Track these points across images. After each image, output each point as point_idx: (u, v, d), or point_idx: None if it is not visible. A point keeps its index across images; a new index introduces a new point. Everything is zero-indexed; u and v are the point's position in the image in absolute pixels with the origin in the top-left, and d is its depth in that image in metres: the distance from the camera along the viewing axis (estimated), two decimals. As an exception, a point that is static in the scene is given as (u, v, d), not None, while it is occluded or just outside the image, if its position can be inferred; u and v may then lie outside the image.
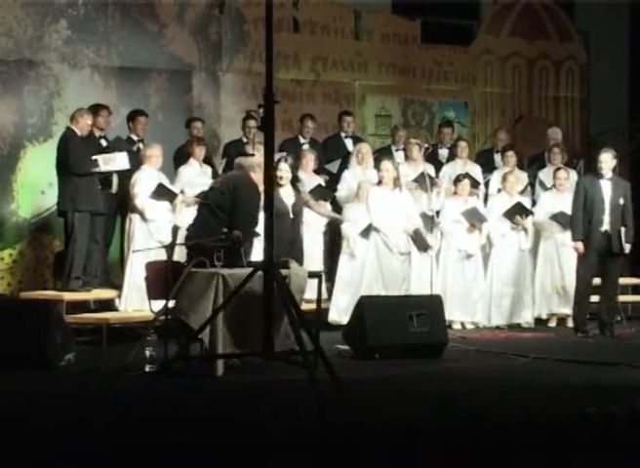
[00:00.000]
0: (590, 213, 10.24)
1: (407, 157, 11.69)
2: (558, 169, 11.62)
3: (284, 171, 9.88)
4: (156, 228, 10.27)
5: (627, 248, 10.28)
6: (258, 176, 8.44)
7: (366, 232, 10.59)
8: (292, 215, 9.83)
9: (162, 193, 10.28)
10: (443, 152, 12.48)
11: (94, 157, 10.18)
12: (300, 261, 9.73)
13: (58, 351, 7.93)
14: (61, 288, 10.18)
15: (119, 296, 10.26)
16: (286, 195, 9.82)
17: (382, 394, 6.85)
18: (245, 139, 11.34)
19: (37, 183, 11.32)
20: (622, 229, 10.19)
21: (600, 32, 14.95)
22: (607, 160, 10.34)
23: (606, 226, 10.22)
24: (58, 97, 11.67)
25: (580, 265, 10.38)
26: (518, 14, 14.80)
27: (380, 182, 10.62)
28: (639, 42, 15.07)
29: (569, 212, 10.60)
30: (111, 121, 11.12)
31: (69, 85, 11.74)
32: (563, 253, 11.20)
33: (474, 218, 11.10)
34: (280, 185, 9.77)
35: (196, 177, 10.59)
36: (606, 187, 10.30)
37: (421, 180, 10.89)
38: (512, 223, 11.22)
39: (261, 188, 8.72)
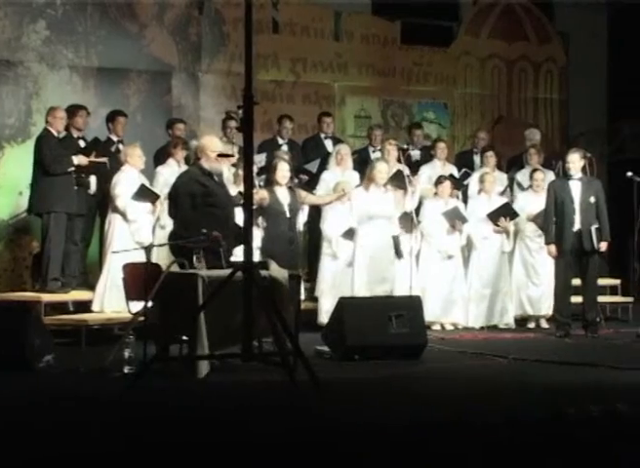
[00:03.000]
0: (562, 214, 10.32)
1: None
2: (535, 170, 11.66)
3: (284, 170, 9.90)
4: (137, 229, 10.23)
5: (603, 246, 10.32)
6: (204, 161, 8.39)
7: (348, 234, 10.62)
8: (288, 215, 9.86)
9: (144, 194, 10.25)
10: (414, 153, 12.46)
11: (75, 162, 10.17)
12: (297, 261, 9.77)
13: (36, 353, 7.87)
14: (40, 289, 10.14)
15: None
16: (282, 195, 9.85)
17: (362, 395, 6.84)
18: (225, 140, 11.31)
19: (15, 184, 11.27)
20: (593, 227, 10.24)
21: (579, 33, 15.02)
22: (575, 160, 10.42)
23: (578, 226, 10.29)
24: (36, 97, 11.63)
25: (557, 267, 10.46)
26: (497, 15, 14.85)
27: (369, 183, 10.68)
28: (618, 43, 15.14)
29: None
30: (90, 122, 11.08)
31: (48, 85, 11.71)
32: (537, 254, 11.25)
33: (455, 219, 11.11)
34: (279, 184, 9.81)
35: (172, 179, 10.52)
36: (575, 188, 10.37)
37: (398, 180, 10.87)
38: (495, 225, 11.23)
39: (222, 169, 8.64)
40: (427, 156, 12.26)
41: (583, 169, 10.53)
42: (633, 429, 5.49)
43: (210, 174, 8.42)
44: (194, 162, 8.70)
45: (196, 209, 8.23)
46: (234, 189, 9.38)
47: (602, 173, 12.85)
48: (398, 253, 10.73)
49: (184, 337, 7.66)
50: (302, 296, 9.39)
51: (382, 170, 10.68)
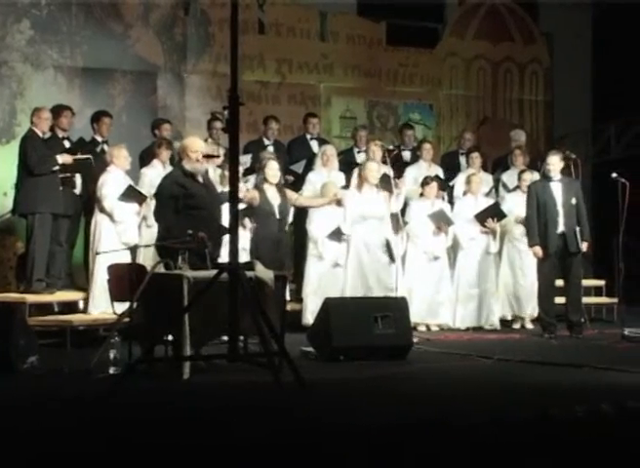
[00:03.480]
0: (545, 216, 10.33)
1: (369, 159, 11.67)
2: (523, 171, 11.68)
3: (274, 169, 9.87)
4: (124, 230, 10.20)
5: (584, 246, 10.34)
6: (186, 162, 8.34)
7: (334, 235, 10.61)
8: (278, 216, 9.83)
9: (132, 195, 10.22)
10: (406, 154, 12.48)
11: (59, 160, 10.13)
12: (285, 262, 9.75)
13: (20, 354, 7.84)
14: (24, 290, 10.10)
15: (86, 299, 10.18)
16: (272, 196, 9.83)
17: (347, 396, 6.84)
18: (210, 141, 11.31)
19: (0, 185, 11.23)
20: (577, 229, 10.27)
21: (564, 34, 15.06)
22: (555, 162, 10.43)
23: (561, 228, 10.30)
24: (20, 97, 11.60)
25: (541, 268, 10.46)
26: (483, 16, 14.88)
27: (361, 183, 10.67)
28: (602, 43, 15.18)
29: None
30: (75, 122, 11.04)
31: (33, 85, 11.68)
32: (525, 256, 11.26)
33: (441, 221, 11.12)
34: (270, 183, 9.79)
35: (157, 179, 10.51)
36: (556, 189, 10.38)
37: (385, 182, 10.88)
38: (482, 226, 11.24)
39: (204, 170, 8.56)
40: (414, 157, 12.29)
41: (565, 170, 10.55)
42: (617, 429, 5.51)
43: (192, 175, 8.35)
44: (177, 163, 8.68)
45: (179, 212, 8.19)
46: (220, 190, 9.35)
47: (587, 173, 12.88)
48: (391, 258, 10.71)
49: (170, 338, 7.65)
50: (288, 297, 9.38)
51: (374, 168, 10.70)
